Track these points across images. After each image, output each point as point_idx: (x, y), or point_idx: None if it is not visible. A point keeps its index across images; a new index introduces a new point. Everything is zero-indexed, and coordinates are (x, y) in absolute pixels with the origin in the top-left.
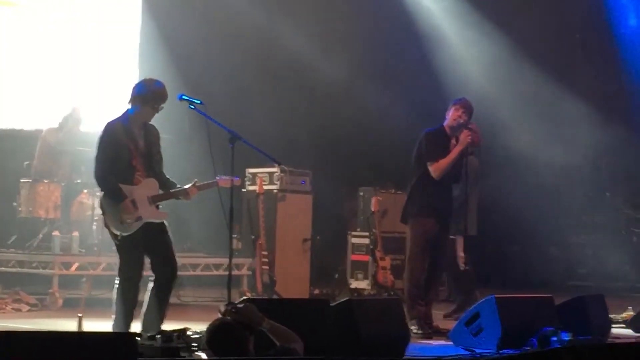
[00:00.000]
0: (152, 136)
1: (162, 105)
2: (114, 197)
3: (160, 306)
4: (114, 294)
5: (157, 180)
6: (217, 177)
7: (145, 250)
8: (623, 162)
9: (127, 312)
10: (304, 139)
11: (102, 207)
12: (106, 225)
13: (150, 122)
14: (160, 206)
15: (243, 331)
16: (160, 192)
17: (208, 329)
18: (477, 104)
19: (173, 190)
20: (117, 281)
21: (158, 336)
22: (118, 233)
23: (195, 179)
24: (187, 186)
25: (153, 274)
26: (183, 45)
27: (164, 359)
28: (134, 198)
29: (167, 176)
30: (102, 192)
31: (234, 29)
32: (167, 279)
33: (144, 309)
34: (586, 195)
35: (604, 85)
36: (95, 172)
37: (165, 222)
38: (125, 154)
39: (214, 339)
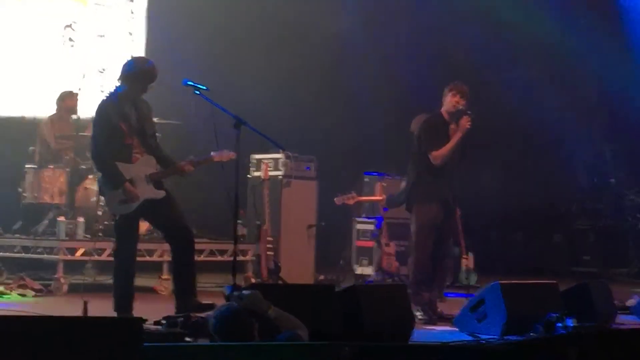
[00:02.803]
0: (143, 111)
1: (152, 85)
2: (114, 181)
3: (184, 275)
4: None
5: (154, 156)
6: (213, 153)
7: (154, 226)
8: (627, 148)
9: (125, 291)
10: (309, 124)
11: (100, 187)
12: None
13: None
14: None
15: (249, 317)
16: (158, 169)
17: (214, 314)
18: (479, 89)
19: (169, 167)
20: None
21: (163, 321)
22: (116, 213)
23: (192, 156)
24: (182, 162)
25: (170, 246)
26: (188, 30)
27: (169, 344)
28: (132, 177)
29: (164, 152)
30: (100, 174)
31: (238, 13)
32: (182, 246)
33: (171, 285)
34: (590, 181)
35: (609, 71)
36: (93, 155)
37: (168, 191)
38: (119, 134)
39: (220, 324)
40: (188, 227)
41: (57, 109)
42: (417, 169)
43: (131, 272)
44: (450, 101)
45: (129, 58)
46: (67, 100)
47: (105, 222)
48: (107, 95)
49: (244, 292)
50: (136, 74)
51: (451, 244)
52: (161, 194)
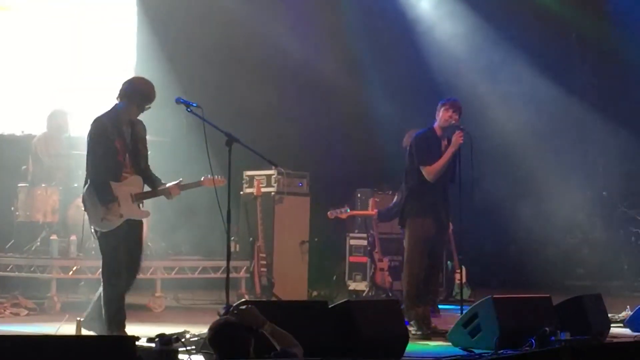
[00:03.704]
0: (138, 131)
1: (149, 106)
2: (104, 197)
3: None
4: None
5: (142, 176)
6: (203, 177)
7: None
8: (620, 160)
9: (115, 309)
10: (300, 140)
11: (84, 202)
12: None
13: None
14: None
15: (245, 332)
16: (145, 189)
17: (211, 327)
18: (472, 104)
19: (156, 189)
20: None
21: (157, 339)
22: (97, 229)
23: (180, 179)
24: (169, 185)
25: None
26: (179, 48)
27: None
28: (118, 195)
29: (152, 172)
30: (88, 189)
31: (230, 30)
32: (131, 275)
33: (90, 308)
34: (583, 194)
35: (601, 83)
36: (90, 171)
37: (144, 223)
38: (113, 151)
39: (216, 337)
40: (140, 259)
41: (47, 127)
42: (409, 183)
43: (120, 289)
44: (443, 116)
45: (131, 76)
46: (59, 119)
47: None
48: (105, 111)
49: (240, 307)
50: (134, 93)
51: (444, 258)
52: (145, 214)
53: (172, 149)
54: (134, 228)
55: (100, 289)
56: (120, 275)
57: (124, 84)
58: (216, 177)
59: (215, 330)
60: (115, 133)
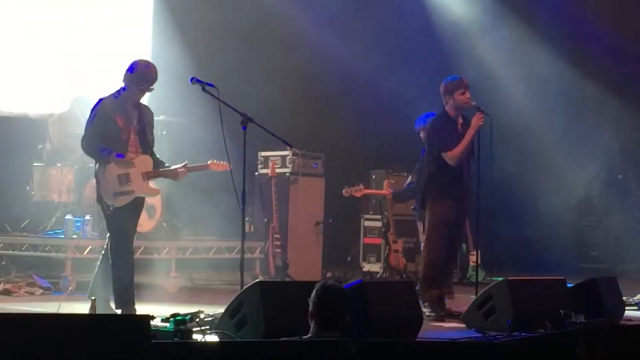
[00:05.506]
0: (146, 116)
1: (150, 88)
2: (102, 158)
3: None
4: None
5: None
6: (209, 161)
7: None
8: (636, 144)
9: (125, 286)
10: (316, 122)
11: (96, 177)
12: (98, 198)
13: (145, 104)
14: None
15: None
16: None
17: (322, 282)
18: (492, 88)
19: (163, 169)
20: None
21: (171, 319)
22: (110, 204)
23: (186, 161)
24: (176, 166)
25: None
26: (196, 29)
27: (177, 341)
28: (128, 172)
29: (157, 156)
30: (94, 160)
31: (246, 13)
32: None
33: (92, 279)
34: (599, 177)
35: (620, 67)
36: (81, 140)
37: (159, 203)
38: (114, 128)
39: (323, 292)
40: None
41: (68, 109)
42: (429, 169)
43: (130, 265)
44: (461, 99)
45: (134, 59)
46: (81, 106)
47: None
48: (111, 93)
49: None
50: (133, 75)
51: (461, 240)
52: (156, 191)
53: (188, 130)
54: (140, 205)
55: (99, 262)
56: (131, 252)
57: (127, 67)
58: (222, 162)
59: (323, 285)
60: (118, 112)
